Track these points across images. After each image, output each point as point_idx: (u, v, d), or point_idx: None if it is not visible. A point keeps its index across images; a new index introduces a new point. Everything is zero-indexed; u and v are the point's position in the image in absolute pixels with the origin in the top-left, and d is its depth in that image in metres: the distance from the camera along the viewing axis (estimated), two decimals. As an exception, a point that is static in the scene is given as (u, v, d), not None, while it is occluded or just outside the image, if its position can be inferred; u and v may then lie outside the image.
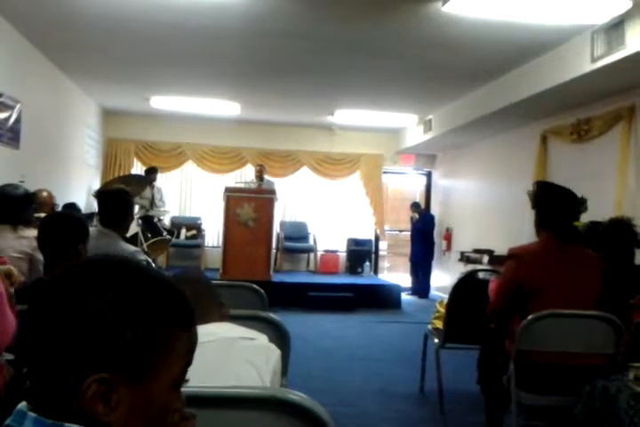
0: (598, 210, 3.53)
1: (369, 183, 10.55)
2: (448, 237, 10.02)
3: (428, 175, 11.20)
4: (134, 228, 6.94)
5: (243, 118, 9.49)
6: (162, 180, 9.65)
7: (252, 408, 1.21)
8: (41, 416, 0.70)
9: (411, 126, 9.55)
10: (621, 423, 2.26)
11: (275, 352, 1.62)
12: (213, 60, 6.38)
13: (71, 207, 5.97)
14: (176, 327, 0.76)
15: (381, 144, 10.45)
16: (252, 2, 4.58)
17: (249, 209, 8.12)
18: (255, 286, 3.02)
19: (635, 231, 3.35)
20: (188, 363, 0.78)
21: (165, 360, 0.74)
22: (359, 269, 10.19)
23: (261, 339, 1.67)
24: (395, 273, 11.10)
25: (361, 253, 10.41)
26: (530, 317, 2.72)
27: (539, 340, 2.73)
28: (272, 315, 2.19)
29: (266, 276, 7.96)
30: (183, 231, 9.72)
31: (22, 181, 4.40)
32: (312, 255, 10.37)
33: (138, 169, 9.94)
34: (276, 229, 9.42)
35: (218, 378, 1.43)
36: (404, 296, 9.24)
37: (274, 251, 8.92)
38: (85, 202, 8.34)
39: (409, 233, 10.32)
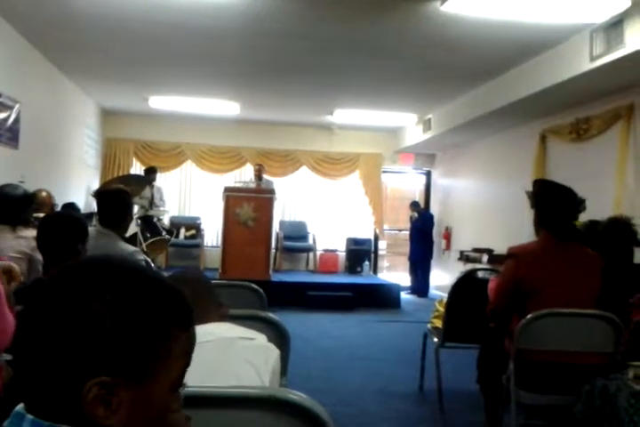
0: (597, 209, 3.53)
1: (368, 183, 10.54)
2: (447, 236, 10.02)
3: (428, 174, 11.20)
4: (133, 228, 6.93)
5: (242, 118, 9.49)
6: (161, 179, 9.64)
7: (252, 408, 1.21)
8: (38, 418, 0.70)
9: (410, 126, 9.54)
10: (621, 422, 2.26)
11: (274, 352, 1.62)
12: (213, 60, 6.37)
13: (70, 207, 5.96)
14: (175, 328, 0.75)
15: (380, 143, 10.45)
16: (252, 2, 4.58)
17: (248, 209, 8.12)
18: (254, 285, 3.01)
19: (634, 230, 3.35)
20: (187, 363, 0.78)
21: (165, 361, 0.74)
22: (358, 269, 10.19)
23: (260, 339, 1.67)
24: (394, 272, 11.09)
25: (360, 253, 10.40)
26: (529, 316, 2.72)
27: (538, 339, 2.73)
28: (271, 315, 2.18)
29: (265, 275, 7.96)
30: (182, 231, 9.73)
31: (21, 182, 4.41)
32: (311, 255, 10.37)
33: (137, 169, 9.94)
34: (276, 228, 9.42)
35: (217, 378, 1.43)
36: (404, 295, 9.23)
37: (273, 250, 8.92)
38: (84, 202, 8.33)
39: (408, 232, 10.32)
